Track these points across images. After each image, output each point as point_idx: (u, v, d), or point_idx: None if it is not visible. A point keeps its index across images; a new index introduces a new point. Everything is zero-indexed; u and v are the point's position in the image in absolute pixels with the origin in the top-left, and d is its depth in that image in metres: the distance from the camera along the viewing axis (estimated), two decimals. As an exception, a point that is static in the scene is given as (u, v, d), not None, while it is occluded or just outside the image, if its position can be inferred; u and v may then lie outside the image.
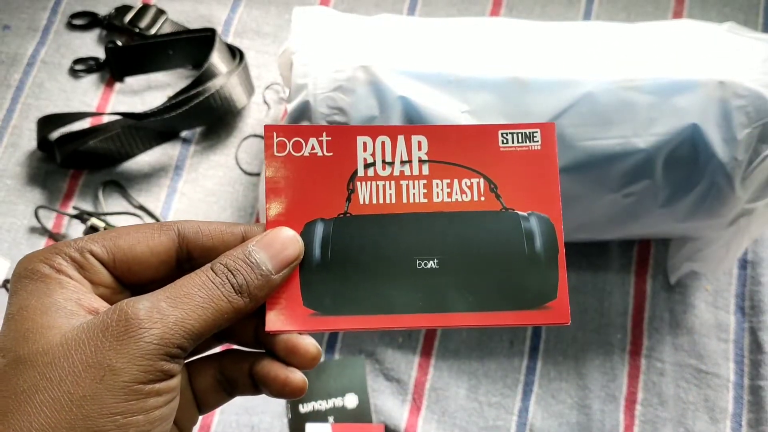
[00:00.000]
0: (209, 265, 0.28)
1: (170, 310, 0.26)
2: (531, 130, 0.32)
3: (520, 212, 0.32)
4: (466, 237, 0.32)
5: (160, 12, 0.71)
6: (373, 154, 0.32)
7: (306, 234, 0.31)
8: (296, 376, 0.30)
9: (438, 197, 0.32)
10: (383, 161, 0.32)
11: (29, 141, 0.67)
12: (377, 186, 0.32)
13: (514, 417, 0.57)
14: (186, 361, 0.32)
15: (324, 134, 0.32)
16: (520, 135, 0.32)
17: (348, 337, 0.60)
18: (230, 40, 0.72)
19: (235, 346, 0.32)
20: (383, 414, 0.57)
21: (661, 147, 0.49)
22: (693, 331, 0.59)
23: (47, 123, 0.65)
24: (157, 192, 0.66)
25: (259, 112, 0.69)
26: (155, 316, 0.25)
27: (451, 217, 0.32)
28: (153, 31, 0.70)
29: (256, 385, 0.31)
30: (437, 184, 0.32)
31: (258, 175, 0.66)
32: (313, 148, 0.32)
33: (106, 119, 0.67)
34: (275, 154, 0.31)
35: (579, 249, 0.62)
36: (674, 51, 0.51)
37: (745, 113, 0.48)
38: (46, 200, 0.65)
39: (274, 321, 0.30)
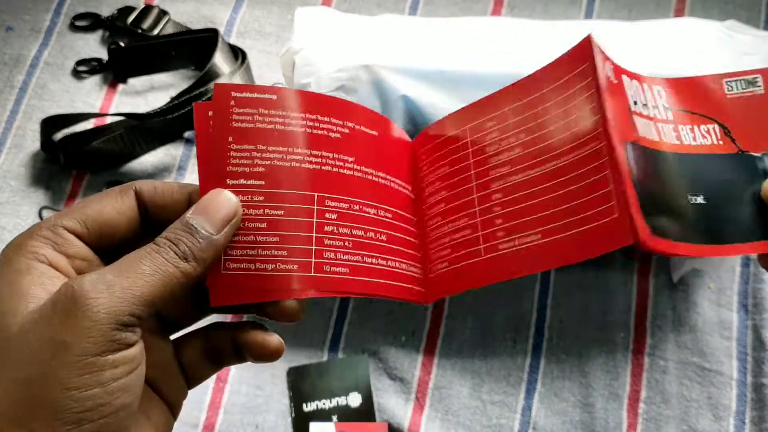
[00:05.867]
0: (153, 240, 0.29)
1: (116, 280, 0.26)
2: (753, 76, 0.35)
3: (754, 153, 0.35)
4: (722, 177, 0.34)
5: (163, 13, 0.71)
6: (633, 94, 0.34)
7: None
8: (273, 338, 0.32)
9: (686, 140, 0.34)
10: (642, 103, 0.34)
11: (33, 142, 0.68)
12: (642, 123, 0.34)
13: (518, 415, 0.57)
14: (172, 337, 0.33)
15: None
16: (743, 82, 0.35)
17: (351, 336, 0.60)
18: (232, 41, 0.72)
19: (219, 319, 0.33)
20: (386, 413, 0.57)
21: (664, 145, 0.49)
22: (696, 328, 0.59)
23: (51, 124, 0.66)
24: (160, 192, 0.66)
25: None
26: (100, 287, 0.26)
27: (705, 158, 0.34)
28: (156, 31, 0.70)
29: (240, 353, 0.33)
30: (682, 128, 0.34)
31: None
32: None
33: (109, 120, 0.67)
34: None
35: (582, 247, 0.62)
36: (676, 49, 0.51)
37: (748, 111, 0.48)
38: (49, 201, 0.65)
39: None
